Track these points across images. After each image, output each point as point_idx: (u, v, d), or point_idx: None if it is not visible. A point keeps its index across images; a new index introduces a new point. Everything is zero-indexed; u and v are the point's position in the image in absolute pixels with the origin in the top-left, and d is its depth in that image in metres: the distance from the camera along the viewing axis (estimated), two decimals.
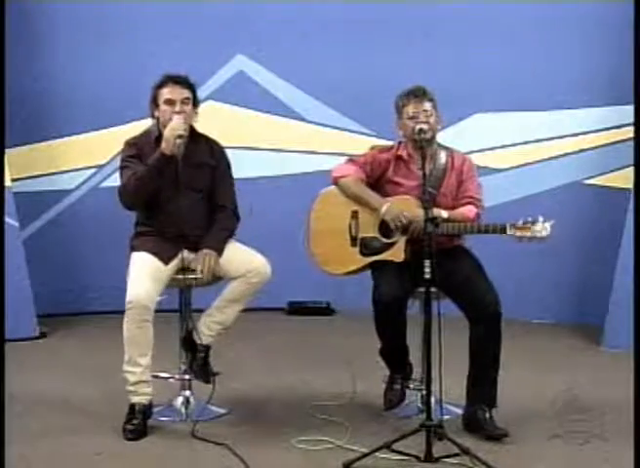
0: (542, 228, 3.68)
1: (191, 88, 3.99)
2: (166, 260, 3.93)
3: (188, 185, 3.94)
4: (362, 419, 4.00)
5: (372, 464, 3.46)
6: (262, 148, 6.18)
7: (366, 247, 3.99)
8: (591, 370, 4.84)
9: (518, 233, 3.72)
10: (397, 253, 3.92)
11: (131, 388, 3.86)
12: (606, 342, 5.34)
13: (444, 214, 3.85)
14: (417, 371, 4.04)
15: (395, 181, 4.02)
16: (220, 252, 3.95)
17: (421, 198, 3.69)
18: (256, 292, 3.95)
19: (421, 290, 3.66)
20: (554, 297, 5.96)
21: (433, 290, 3.60)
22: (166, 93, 3.93)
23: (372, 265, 3.99)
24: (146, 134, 4.07)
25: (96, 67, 6.01)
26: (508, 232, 3.73)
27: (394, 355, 4.02)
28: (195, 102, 4.00)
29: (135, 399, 3.86)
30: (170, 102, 3.92)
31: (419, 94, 3.95)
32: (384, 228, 3.95)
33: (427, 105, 3.94)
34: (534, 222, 3.70)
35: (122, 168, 4.02)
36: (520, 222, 3.72)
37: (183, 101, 3.93)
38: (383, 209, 3.92)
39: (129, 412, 3.85)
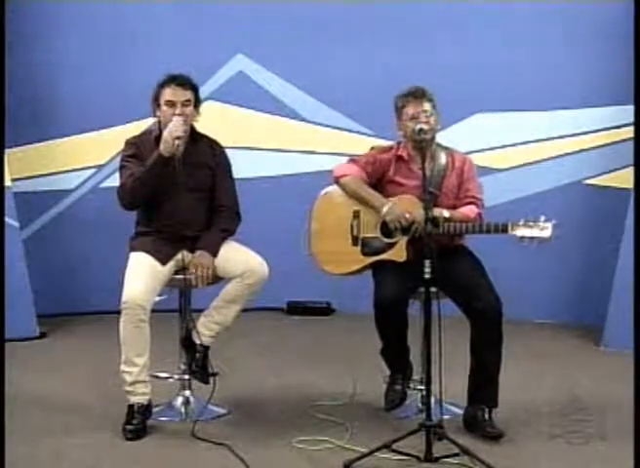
0: (544, 228, 3.69)
1: (193, 89, 3.99)
2: (163, 261, 3.93)
3: (188, 186, 3.93)
4: (362, 419, 4.00)
5: (372, 464, 3.47)
6: (262, 148, 6.18)
7: (367, 247, 3.99)
8: (591, 371, 4.84)
9: (520, 232, 3.72)
10: (398, 253, 3.92)
11: (128, 388, 3.86)
12: (606, 342, 5.34)
13: (445, 213, 3.85)
14: (417, 371, 4.04)
15: (396, 181, 4.02)
16: (215, 253, 3.95)
17: (422, 198, 3.69)
18: (253, 293, 3.94)
19: (422, 290, 3.67)
20: (554, 297, 5.96)
21: (433, 290, 3.60)
22: (167, 94, 3.93)
23: (373, 265, 3.99)
24: (147, 133, 4.08)
25: (96, 67, 6.00)
26: (510, 231, 3.74)
27: (395, 355, 4.02)
28: (197, 103, 4.01)
29: (133, 399, 3.86)
30: (171, 104, 3.92)
31: (418, 94, 3.95)
32: (386, 228, 3.95)
33: (427, 106, 3.94)
34: (535, 221, 3.71)
35: (121, 167, 4.04)
36: (522, 222, 3.72)
37: (184, 103, 3.93)
38: (385, 209, 3.91)
39: (128, 413, 3.85)
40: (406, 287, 3.81)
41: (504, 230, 3.76)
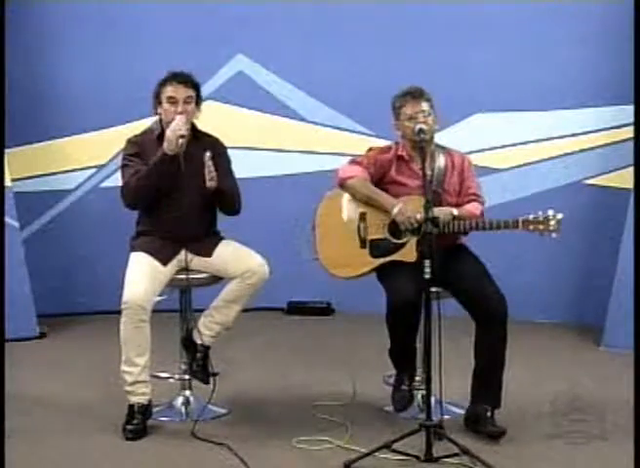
0: (554, 222, 3.72)
1: (195, 86, 3.99)
2: (164, 261, 3.93)
3: (189, 184, 3.92)
4: (362, 419, 4.00)
5: (372, 464, 3.47)
6: (262, 148, 6.18)
7: (376, 248, 3.98)
8: (591, 370, 4.84)
9: (530, 227, 3.76)
10: (409, 254, 3.91)
11: (129, 388, 3.86)
12: (606, 342, 5.33)
13: (454, 211, 3.86)
14: (418, 371, 4.04)
15: (399, 181, 4.02)
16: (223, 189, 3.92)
17: (426, 197, 3.69)
18: (254, 293, 3.95)
19: (434, 289, 3.66)
20: (554, 297, 5.95)
21: (434, 289, 3.60)
22: (169, 91, 3.94)
23: (379, 268, 3.98)
24: (148, 131, 4.08)
25: (96, 67, 6.01)
26: (520, 227, 3.76)
27: (404, 356, 4.01)
28: (198, 100, 4.01)
29: (133, 399, 3.86)
30: (172, 101, 3.93)
31: (416, 94, 3.95)
32: (394, 229, 3.94)
33: (425, 106, 3.94)
34: (545, 216, 3.74)
35: (123, 166, 4.03)
36: (531, 217, 3.75)
37: (186, 100, 3.93)
38: (395, 209, 3.90)
39: (128, 413, 3.85)
40: (419, 287, 3.80)
41: (515, 226, 3.78)
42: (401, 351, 3.99)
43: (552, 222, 3.74)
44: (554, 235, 3.75)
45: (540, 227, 3.75)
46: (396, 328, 3.86)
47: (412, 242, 3.91)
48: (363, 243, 4.00)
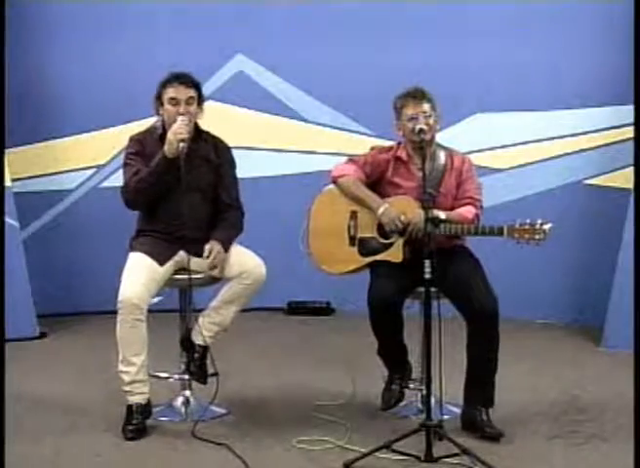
0: (540, 231, 3.66)
1: (196, 87, 3.99)
2: (161, 261, 3.92)
3: (191, 184, 3.91)
4: (362, 419, 4.00)
5: (372, 464, 3.47)
6: (262, 148, 6.18)
7: (364, 247, 3.99)
8: (591, 371, 4.84)
9: (516, 235, 3.70)
10: (395, 254, 3.92)
11: (127, 388, 3.86)
12: (606, 342, 5.33)
13: (442, 214, 3.83)
14: (416, 371, 4.04)
15: (394, 182, 4.02)
16: (227, 247, 3.93)
17: (421, 198, 3.69)
18: (251, 294, 3.94)
19: (421, 289, 3.66)
20: (554, 297, 5.95)
21: (433, 290, 3.60)
22: (171, 92, 3.93)
23: (370, 265, 3.99)
24: (151, 130, 4.07)
25: (96, 67, 6.00)
26: (505, 235, 3.72)
27: (391, 355, 4.03)
28: (200, 100, 4.01)
29: (131, 399, 3.86)
30: (174, 102, 3.92)
31: (417, 95, 3.95)
32: (383, 229, 3.95)
33: (426, 107, 3.93)
34: (532, 224, 3.68)
35: (124, 165, 4.03)
36: (517, 224, 3.70)
37: (188, 101, 3.93)
38: (380, 210, 3.91)
39: (127, 413, 3.85)
40: (401, 287, 3.81)
41: (500, 233, 3.75)
42: (387, 350, 4.01)
43: (539, 231, 3.64)
44: (541, 242, 3.66)
45: (526, 236, 3.66)
46: (377, 327, 3.87)
47: (399, 242, 3.91)
48: (352, 241, 4.02)
